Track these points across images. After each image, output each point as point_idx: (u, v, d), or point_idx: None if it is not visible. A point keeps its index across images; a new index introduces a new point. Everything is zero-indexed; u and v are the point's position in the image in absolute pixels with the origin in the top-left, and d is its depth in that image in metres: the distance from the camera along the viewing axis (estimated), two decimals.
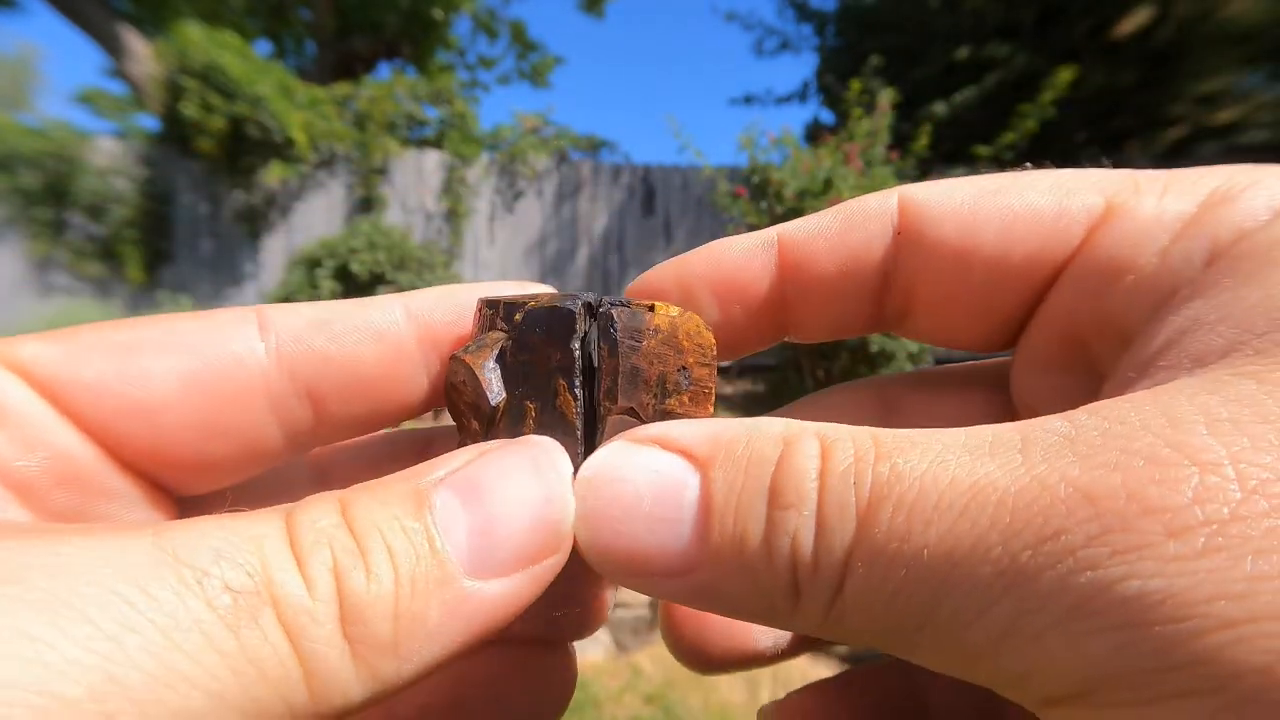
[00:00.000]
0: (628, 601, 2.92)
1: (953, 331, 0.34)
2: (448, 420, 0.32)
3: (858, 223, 0.32)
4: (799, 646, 0.36)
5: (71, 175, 6.91)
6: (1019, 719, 0.27)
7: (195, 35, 6.84)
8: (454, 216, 7.65)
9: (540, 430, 0.29)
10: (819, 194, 5.26)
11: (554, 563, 0.25)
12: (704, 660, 0.35)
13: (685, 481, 0.25)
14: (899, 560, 0.21)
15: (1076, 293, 0.28)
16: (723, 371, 5.08)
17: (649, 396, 0.29)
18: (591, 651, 2.79)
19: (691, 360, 0.30)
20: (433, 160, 7.74)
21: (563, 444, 0.28)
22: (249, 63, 6.96)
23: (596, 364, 0.29)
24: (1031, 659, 0.19)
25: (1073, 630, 0.18)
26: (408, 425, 0.37)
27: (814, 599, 0.23)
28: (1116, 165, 0.30)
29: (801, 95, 9.02)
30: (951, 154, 6.98)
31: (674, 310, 0.30)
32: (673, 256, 0.37)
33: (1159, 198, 0.27)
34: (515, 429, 0.29)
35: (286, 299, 6.33)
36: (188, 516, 0.23)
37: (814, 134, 8.00)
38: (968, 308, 0.32)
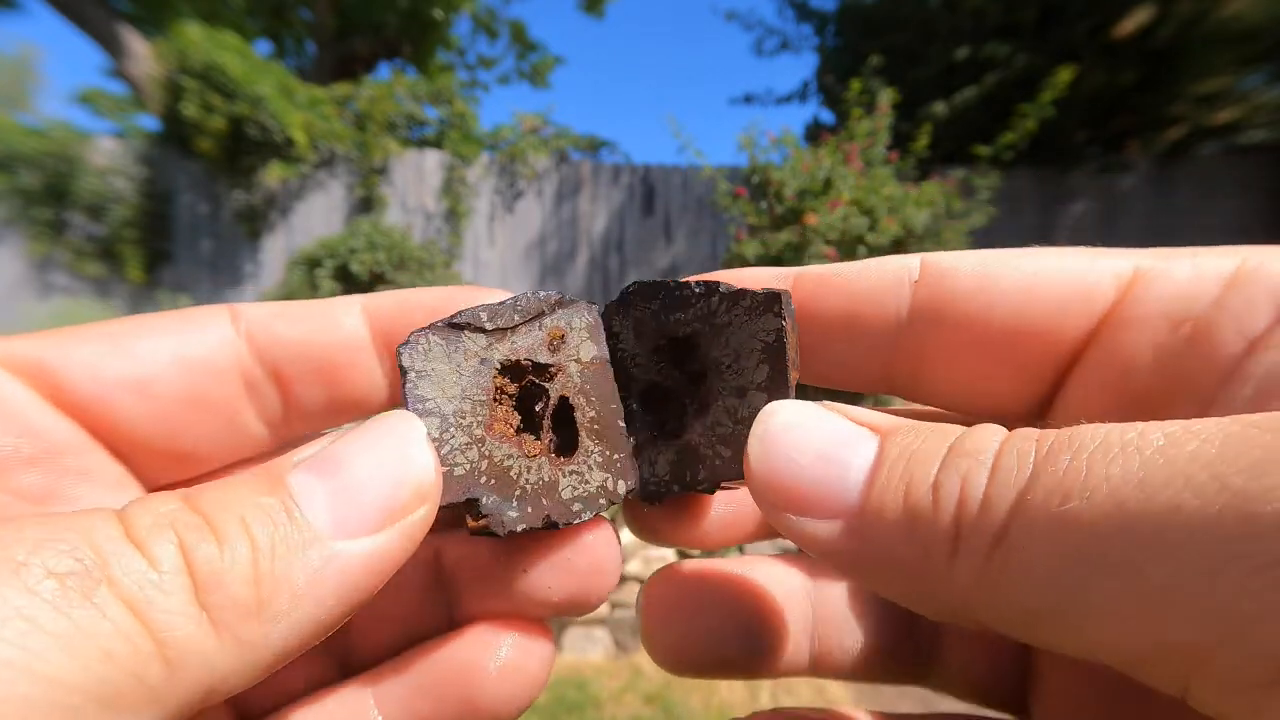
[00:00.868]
0: (627, 602, 2.92)
1: (970, 393, 0.33)
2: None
3: (873, 270, 0.33)
4: (772, 663, 0.35)
5: (71, 175, 6.90)
6: None
7: (195, 35, 6.83)
8: (454, 216, 7.64)
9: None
10: (819, 194, 5.26)
11: (423, 516, 0.27)
12: (677, 660, 0.35)
13: (862, 440, 0.26)
14: (1075, 500, 0.20)
15: (1128, 344, 0.29)
16: None
17: (792, 365, 0.33)
18: (592, 652, 2.79)
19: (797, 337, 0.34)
20: (433, 160, 7.74)
21: (769, 392, 0.31)
22: (249, 63, 6.95)
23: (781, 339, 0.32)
24: (1253, 623, 0.17)
25: None
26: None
27: (974, 547, 0.22)
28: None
29: (801, 95, 9.01)
30: (951, 154, 6.97)
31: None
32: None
33: (1191, 260, 0.28)
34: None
35: (287, 299, 6.30)
36: None
37: (814, 134, 8.00)
38: (987, 366, 0.32)
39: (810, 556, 0.36)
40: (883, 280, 0.33)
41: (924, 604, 0.25)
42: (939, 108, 7.12)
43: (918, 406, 0.36)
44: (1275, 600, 0.17)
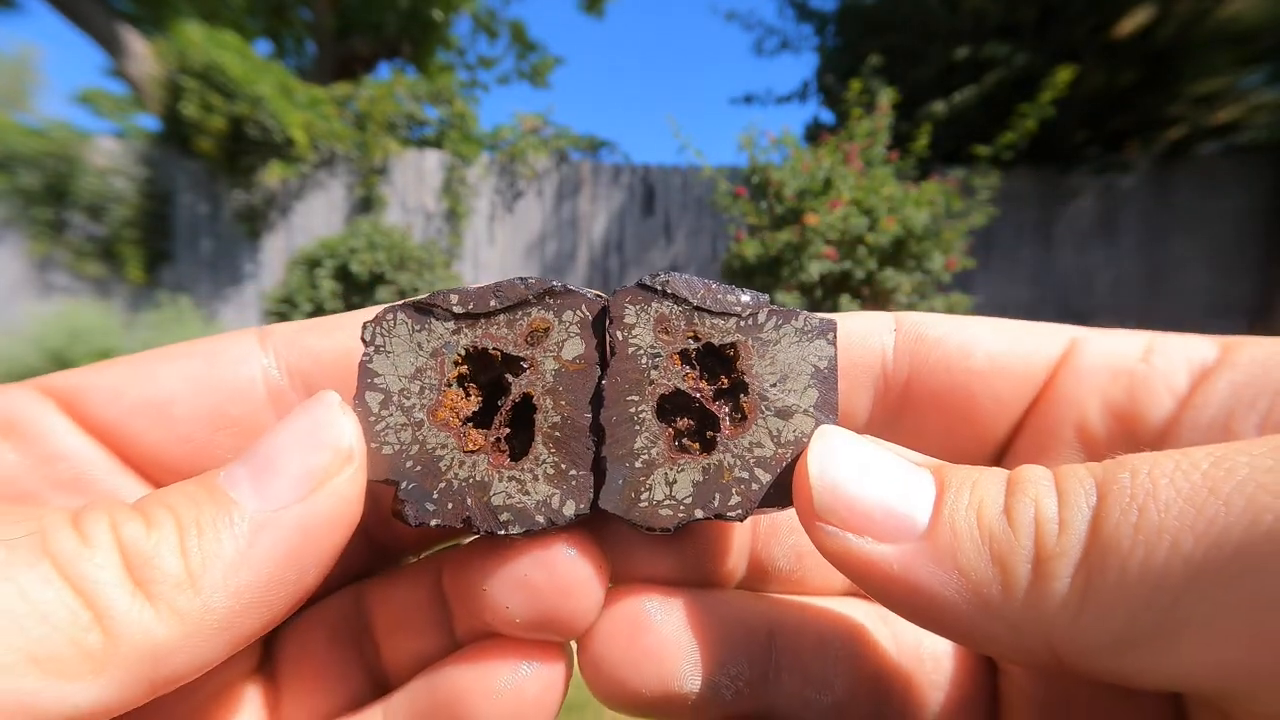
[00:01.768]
0: None
1: (939, 435, 0.35)
2: None
3: (863, 315, 0.35)
4: (724, 702, 0.32)
5: (71, 175, 6.90)
6: None
7: (195, 35, 6.83)
8: (454, 216, 7.64)
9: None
10: (819, 194, 5.26)
11: (350, 476, 0.27)
12: (624, 695, 0.31)
13: (920, 470, 0.27)
14: (1152, 514, 0.21)
15: (1078, 392, 0.32)
16: None
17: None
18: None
19: None
20: (433, 160, 7.74)
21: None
22: (249, 63, 6.95)
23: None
24: None
25: None
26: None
27: (1059, 571, 0.22)
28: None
29: (801, 95, 9.01)
30: (951, 154, 6.97)
31: None
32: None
33: (1109, 336, 0.33)
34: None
35: (286, 299, 6.32)
36: None
37: (814, 134, 8.00)
38: (958, 407, 0.34)
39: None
40: (873, 324, 0.35)
41: (994, 636, 0.24)
42: (939, 108, 7.11)
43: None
44: None
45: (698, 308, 0.31)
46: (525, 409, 0.31)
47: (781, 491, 0.30)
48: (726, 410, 0.31)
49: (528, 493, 0.30)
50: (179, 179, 7.33)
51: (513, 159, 7.81)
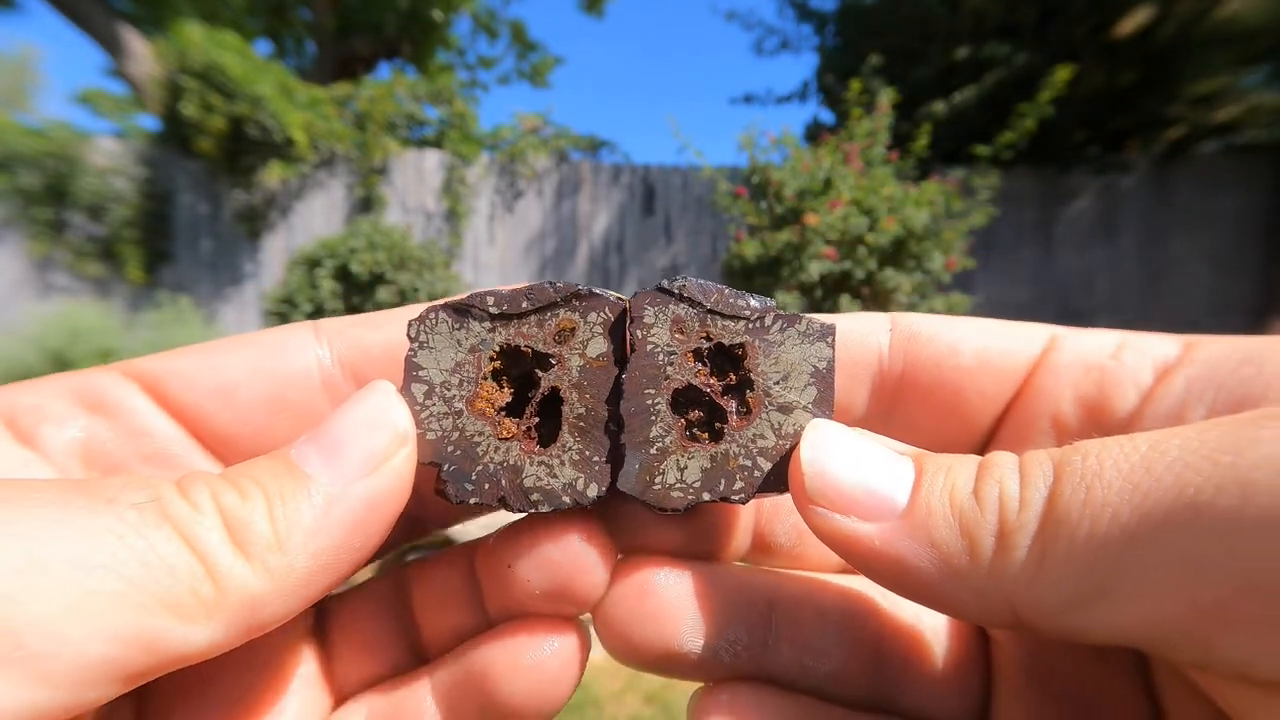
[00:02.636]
0: None
1: (930, 426, 0.38)
2: None
3: (862, 316, 0.38)
4: (724, 664, 0.35)
5: (71, 175, 6.90)
6: None
7: (195, 35, 6.83)
8: (454, 216, 7.65)
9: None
10: (819, 194, 5.26)
11: (405, 456, 0.31)
12: (631, 651, 0.35)
13: (900, 458, 0.30)
14: (1097, 490, 0.24)
15: (1053, 385, 0.35)
16: None
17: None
18: (592, 651, 2.78)
19: None
20: (433, 160, 7.74)
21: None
22: (249, 63, 6.95)
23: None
24: None
25: None
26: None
27: (1019, 543, 0.26)
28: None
29: (801, 95, 9.01)
30: (951, 154, 6.98)
31: None
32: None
33: (1086, 335, 0.35)
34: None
35: (286, 299, 6.33)
36: None
37: (814, 134, 8.01)
38: (946, 400, 0.37)
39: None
40: (870, 324, 0.38)
41: (963, 601, 0.28)
42: (938, 107, 7.12)
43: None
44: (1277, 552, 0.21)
45: (710, 310, 0.34)
46: (553, 401, 0.35)
47: (780, 478, 0.34)
48: (733, 404, 0.35)
49: (555, 476, 0.34)
50: (179, 179, 7.33)
51: (513, 159, 7.81)
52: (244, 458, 0.34)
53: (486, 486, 0.33)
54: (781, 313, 0.34)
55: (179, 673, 0.27)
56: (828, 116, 8.69)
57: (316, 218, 7.51)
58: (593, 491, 0.34)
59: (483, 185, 7.80)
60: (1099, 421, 0.33)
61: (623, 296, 0.35)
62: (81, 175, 6.94)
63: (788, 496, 0.33)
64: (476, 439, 0.34)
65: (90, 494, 0.26)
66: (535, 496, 0.33)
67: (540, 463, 0.34)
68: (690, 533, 0.37)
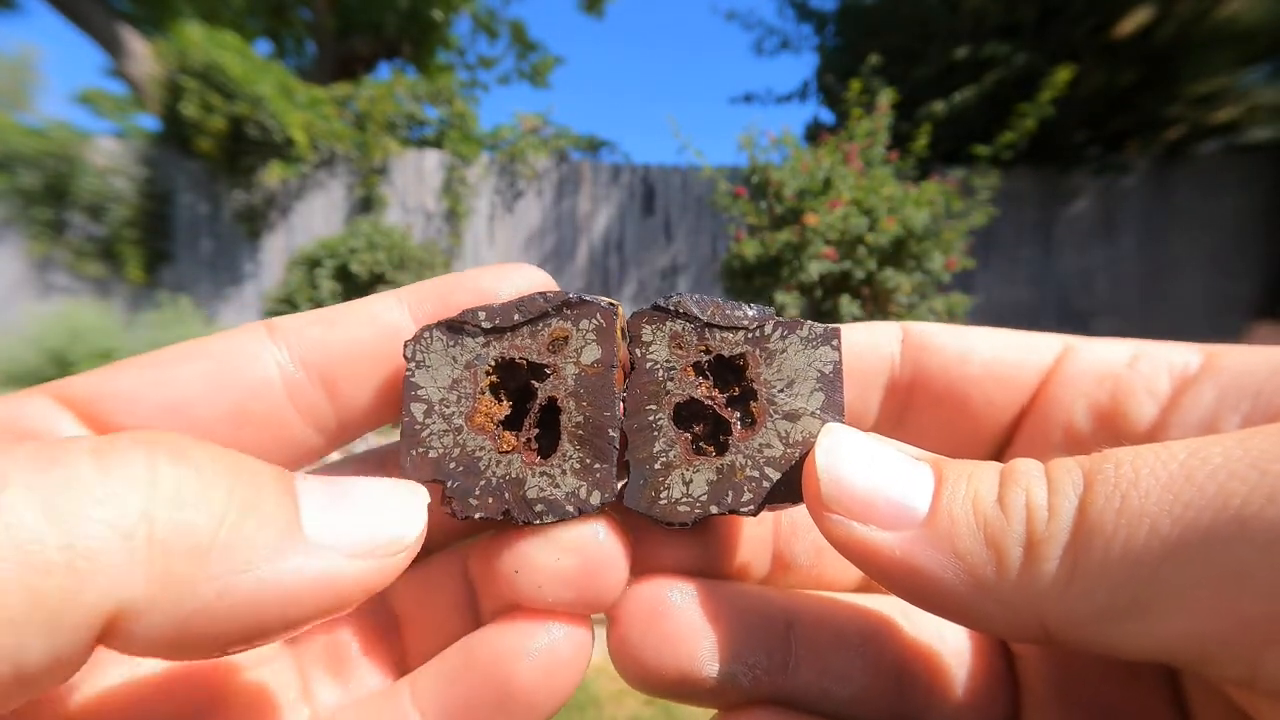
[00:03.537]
0: None
1: (940, 435, 0.38)
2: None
3: (873, 326, 0.38)
4: (742, 689, 0.33)
5: (71, 175, 6.91)
6: None
7: (195, 35, 6.84)
8: (454, 216, 7.65)
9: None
10: (819, 194, 5.26)
11: (396, 563, 0.29)
12: (645, 676, 0.33)
13: (919, 463, 0.29)
14: (1133, 499, 0.23)
15: (1066, 395, 0.34)
16: None
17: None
18: (592, 651, 2.78)
19: None
20: (433, 160, 7.74)
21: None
22: (249, 63, 6.96)
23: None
24: None
25: None
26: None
27: (1049, 553, 0.25)
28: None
29: (801, 95, 9.02)
30: (951, 154, 6.97)
31: None
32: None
33: (1100, 344, 0.35)
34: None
35: (286, 299, 6.33)
36: None
37: (814, 134, 8.00)
38: (955, 409, 0.37)
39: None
40: (881, 332, 0.38)
41: (989, 614, 0.26)
42: (938, 107, 7.12)
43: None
44: None
45: (707, 324, 0.34)
46: (551, 411, 0.35)
47: (791, 488, 0.33)
48: (737, 415, 0.34)
49: (558, 485, 0.34)
50: (179, 179, 7.33)
51: (513, 159, 7.81)
52: None
53: (490, 500, 0.34)
54: (781, 319, 0.34)
55: None
56: (828, 116, 8.70)
57: (316, 218, 7.51)
58: (595, 499, 0.33)
59: (483, 185, 7.80)
60: (1114, 431, 0.33)
61: (614, 301, 0.35)
62: (81, 175, 6.94)
63: (804, 511, 0.32)
64: (478, 454, 0.34)
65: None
66: (539, 507, 0.33)
67: (542, 473, 0.34)
68: (702, 549, 0.36)
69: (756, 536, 0.37)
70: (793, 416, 0.33)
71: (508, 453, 0.34)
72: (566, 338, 0.34)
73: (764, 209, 5.53)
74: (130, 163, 7.20)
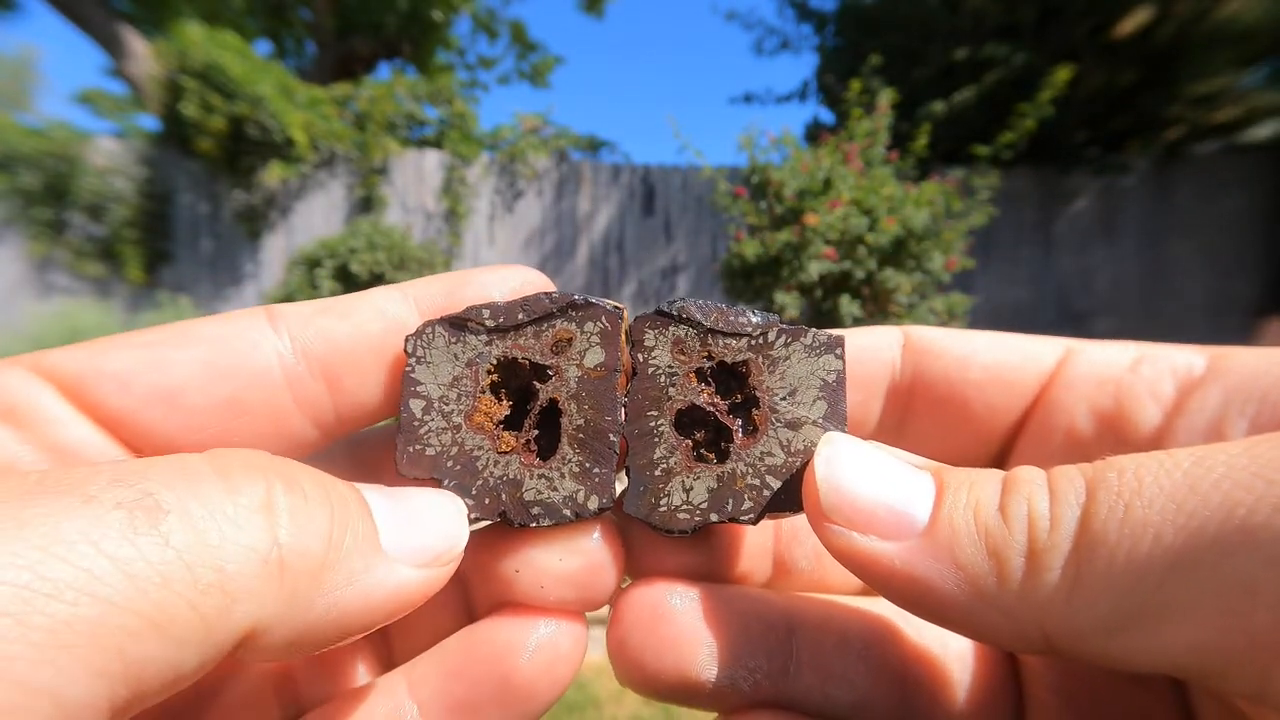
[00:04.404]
0: None
1: (942, 440, 0.37)
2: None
3: (875, 330, 0.37)
4: (743, 693, 0.33)
5: (71, 175, 6.90)
6: None
7: (195, 35, 6.83)
8: (454, 216, 7.64)
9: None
10: (819, 194, 5.26)
11: (445, 571, 0.30)
12: (645, 680, 0.33)
13: (920, 473, 0.29)
14: (1137, 509, 0.23)
15: (1068, 399, 0.34)
16: None
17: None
18: (592, 652, 2.78)
19: None
20: (433, 160, 7.74)
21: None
22: (249, 63, 6.95)
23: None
24: None
25: None
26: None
27: (1051, 564, 0.24)
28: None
29: (801, 95, 9.01)
30: (951, 154, 6.97)
31: None
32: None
33: (1102, 347, 0.35)
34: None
35: (286, 299, 6.33)
36: None
37: (814, 134, 8.00)
38: (956, 414, 0.36)
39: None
40: (882, 337, 0.37)
41: (990, 625, 0.26)
42: (938, 107, 7.12)
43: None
44: None
45: (710, 330, 0.34)
46: (552, 413, 0.34)
47: (792, 497, 0.33)
48: (739, 423, 0.34)
49: (556, 489, 0.33)
50: (179, 179, 7.33)
51: (513, 159, 7.81)
52: None
53: (487, 501, 0.33)
54: (785, 326, 0.34)
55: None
56: (828, 116, 8.70)
57: (316, 218, 7.51)
58: (593, 504, 0.33)
59: (483, 185, 7.80)
60: (1118, 435, 0.32)
61: (620, 305, 0.34)
62: (81, 175, 6.94)
63: (805, 517, 0.31)
64: (476, 453, 0.33)
65: (59, 492, 0.20)
66: (536, 510, 0.33)
67: (540, 475, 0.33)
68: (702, 556, 0.35)
69: (757, 541, 0.37)
70: (795, 425, 0.33)
71: (506, 453, 0.34)
72: (570, 340, 0.34)
73: (764, 209, 5.53)
74: (130, 163, 7.20)
